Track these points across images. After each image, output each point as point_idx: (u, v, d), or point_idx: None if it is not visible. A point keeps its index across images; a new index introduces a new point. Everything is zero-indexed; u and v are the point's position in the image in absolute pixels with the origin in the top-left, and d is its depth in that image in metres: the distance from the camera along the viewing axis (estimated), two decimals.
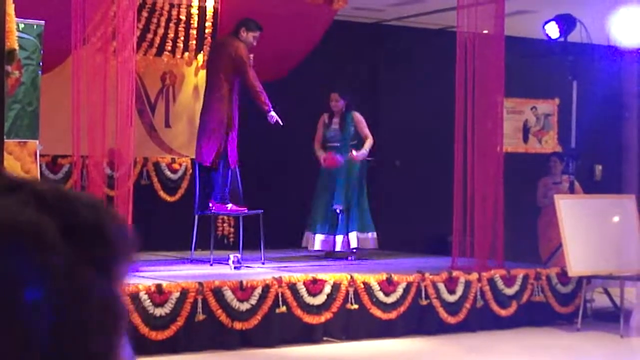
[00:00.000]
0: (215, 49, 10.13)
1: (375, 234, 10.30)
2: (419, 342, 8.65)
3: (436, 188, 11.51)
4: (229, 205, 9.65)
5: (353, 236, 10.14)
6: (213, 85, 9.70)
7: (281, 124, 9.50)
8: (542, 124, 14.00)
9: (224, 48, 9.69)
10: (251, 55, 9.64)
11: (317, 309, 8.37)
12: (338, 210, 10.15)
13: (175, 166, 11.27)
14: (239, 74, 9.50)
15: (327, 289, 8.43)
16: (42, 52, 7.39)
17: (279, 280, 8.23)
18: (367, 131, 10.30)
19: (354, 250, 10.19)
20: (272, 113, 9.50)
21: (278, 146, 11.07)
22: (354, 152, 10.21)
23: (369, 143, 10.27)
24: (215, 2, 11.03)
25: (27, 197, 0.93)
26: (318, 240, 10.24)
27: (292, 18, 10.74)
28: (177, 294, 7.74)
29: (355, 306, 8.54)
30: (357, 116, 10.34)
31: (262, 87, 9.54)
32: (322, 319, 8.38)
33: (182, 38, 11.15)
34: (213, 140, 9.53)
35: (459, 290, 9.11)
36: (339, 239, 10.19)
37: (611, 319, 9.67)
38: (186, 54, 11.21)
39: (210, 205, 9.64)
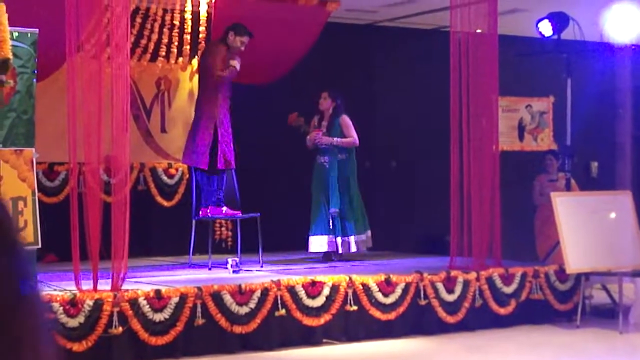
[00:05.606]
0: (203, 53, 10.28)
1: (369, 232, 10.36)
2: (419, 342, 8.65)
3: (432, 188, 11.52)
4: (224, 209, 9.65)
5: (352, 240, 10.21)
6: (201, 87, 9.83)
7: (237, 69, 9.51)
8: (537, 122, 14.02)
9: (210, 50, 9.88)
10: (237, 62, 9.58)
11: (317, 311, 8.37)
12: (333, 213, 10.17)
13: (172, 171, 11.27)
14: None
15: (326, 291, 8.43)
16: (36, 60, 7.39)
17: (278, 283, 8.23)
18: (353, 133, 10.26)
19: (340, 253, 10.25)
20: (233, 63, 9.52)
21: (275, 149, 11.08)
22: (320, 135, 10.20)
23: (346, 140, 10.24)
24: (208, 7, 11.04)
25: None
26: (315, 243, 10.26)
27: (286, 21, 10.76)
28: (176, 299, 7.74)
29: (354, 307, 8.54)
30: (345, 120, 10.32)
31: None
32: (322, 321, 8.39)
33: (176, 43, 11.16)
34: (200, 142, 9.56)
35: (458, 289, 9.11)
36: (338, 241, 10.21)
37: (610, 315, 9.69)
38: (180, 59, 11.23)
39: (208, 210, 9.64)
